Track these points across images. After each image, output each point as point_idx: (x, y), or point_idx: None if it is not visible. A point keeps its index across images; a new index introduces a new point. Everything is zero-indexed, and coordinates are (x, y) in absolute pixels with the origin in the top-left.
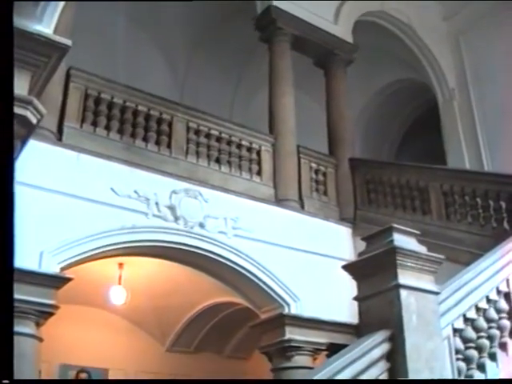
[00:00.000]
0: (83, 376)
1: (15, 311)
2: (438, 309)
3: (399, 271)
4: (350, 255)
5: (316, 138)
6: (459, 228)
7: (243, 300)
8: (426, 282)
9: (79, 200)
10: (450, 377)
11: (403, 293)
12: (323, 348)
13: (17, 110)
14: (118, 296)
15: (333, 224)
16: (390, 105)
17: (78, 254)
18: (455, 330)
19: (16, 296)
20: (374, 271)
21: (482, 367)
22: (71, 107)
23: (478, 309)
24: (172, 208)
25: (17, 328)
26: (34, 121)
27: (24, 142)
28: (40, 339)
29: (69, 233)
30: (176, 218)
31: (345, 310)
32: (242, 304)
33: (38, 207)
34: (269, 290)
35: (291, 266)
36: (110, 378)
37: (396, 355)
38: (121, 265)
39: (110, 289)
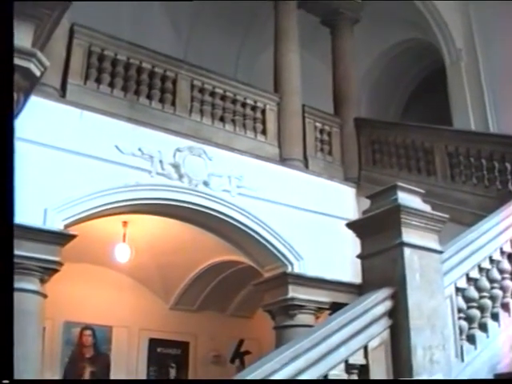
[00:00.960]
0: (87, 333)
1: (20, 268)
2: (441, 268)
3: (403, 229)
4: (353, 215)
5: (321, 98)
6: (464, 189)
7: (246, 259)
8: (429, 240)
9: (83, 157)
10: (451, 335)
11: (407, 251)
12: (326, 307)
13: (20, 62)
14: (122, 254)
15: (337, 184)
16: (396, 65)
17: (82, 212)
18: (458, 289)
19: (20, 253)
20: (377, 229)
21: (483, 327)
22: (75, 64)
23: (481, 269)
24: (176, 166)
25: (21, 285)
26: (38, 73)
27: (27, 96)
28: (44, 296)
29: (73, 190)
30: (180, 176)
31: (348, 269)
32: (245, 263)
33: (41, 164)
34: (272, 249)
35: (295, 225)
36: (114, 335)
37: (398, 313)
38: (125, 223)
39: (114, 247)
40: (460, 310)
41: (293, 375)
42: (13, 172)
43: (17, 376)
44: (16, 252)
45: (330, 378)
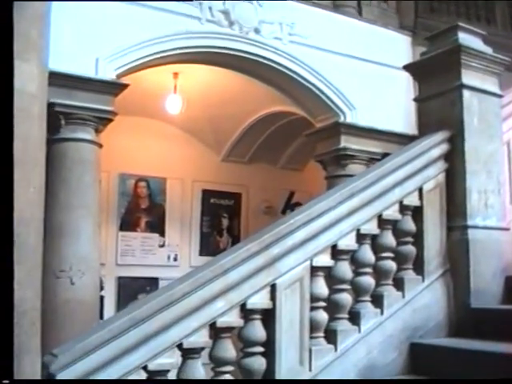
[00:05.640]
0: (142, 185)
1: (75, 118)
2: (500, 112)
3: (463, 71)
4: None
5: None
6: None
7: (298, 109)
8: (489, 84)
9: (132, 5)
10: (506, 181)
11: (466, 93)
12: (377, 157)
13: None
14: (173, 105)
15: (391, 32)
16: None
17: (133, 61)
18: None
19: (74, 103)
20: (436, 71)
21: None
22: None
23: None
24: (226, 12)
25: (77, 134)
26: None
27: None
28: (99, 145)
29: (123, 39)
30: (230, 23)
31: (400, 120)
32: (297, 114)
33: (91, 14)
34: (325, 98)
35: (347, 75)
36: (168, 186)
37: (454, 156)
38: (175, 74)
39: (165, 99)
40: None
41: (347, 213)
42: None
43: (78, 223)
44: (70, 102)
45: (384, 218)
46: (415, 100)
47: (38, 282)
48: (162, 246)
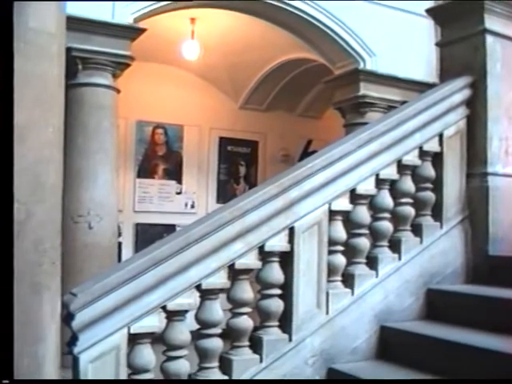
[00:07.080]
0: (159, 131)
1: (92, 62)
2: None
3: (486, 16)
4: None
5: None
6: None
7: (317, 56)
8: None
9: None
10: None
11: (489, 39)
12: (397, 106)
13: None
14: (190, 51)
15: None
16: None
17: (150, 5)
18: None
19: (91, 47)
20: (459, 15)
21: None
22: None
23: None
24: None
25: (94, 79)
26: None
27: None
28: (117, 90)
29: None
30: None
31: (421, 68)
32: (316, 61)
33: None
34: (344, 45)
35: (368, 20)
36: (185, 134)
37: (476, 102)
38: (193, 20)
39: (182, 44)
40: None
41: (366, 157)
42: None
43: (96, 168)
44: (87, 47)
45: (404, 163)
46: (437, 45)
47: (58, 221)
48: (179, 193)
